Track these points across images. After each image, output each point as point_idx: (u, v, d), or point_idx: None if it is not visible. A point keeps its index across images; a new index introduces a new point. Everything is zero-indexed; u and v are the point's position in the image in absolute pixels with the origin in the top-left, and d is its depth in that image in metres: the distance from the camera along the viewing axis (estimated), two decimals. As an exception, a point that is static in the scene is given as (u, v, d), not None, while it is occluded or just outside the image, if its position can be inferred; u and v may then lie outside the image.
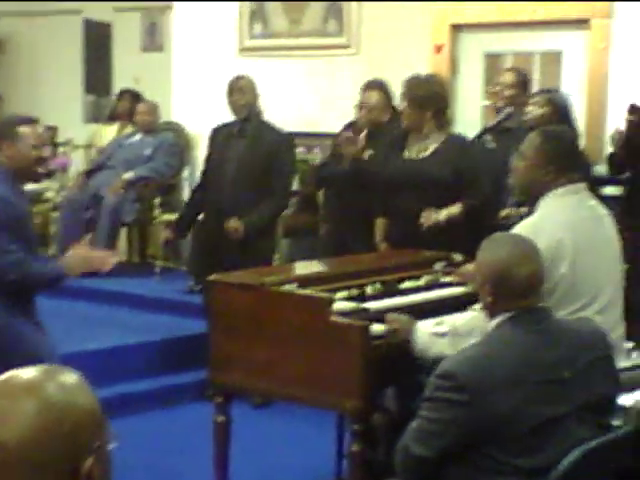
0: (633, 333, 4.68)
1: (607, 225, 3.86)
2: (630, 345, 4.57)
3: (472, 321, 3.53)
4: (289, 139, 6.41)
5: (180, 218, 6.73)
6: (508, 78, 6.28)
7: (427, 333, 3.59)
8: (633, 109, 5.43)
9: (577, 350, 2.90)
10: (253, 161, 6.16)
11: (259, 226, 6.11)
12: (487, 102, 7.14)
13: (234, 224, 6.06)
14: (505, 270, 2.93)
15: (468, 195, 5.08)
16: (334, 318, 3.62)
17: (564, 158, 3.77)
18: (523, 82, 6.31)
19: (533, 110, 5.50)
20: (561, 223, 3.64)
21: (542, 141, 3.80)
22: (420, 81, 5.32)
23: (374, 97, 6.07)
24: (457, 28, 7.43)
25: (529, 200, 3.91)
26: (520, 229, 3.53)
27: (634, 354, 4.77)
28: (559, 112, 5.50)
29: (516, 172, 3.89)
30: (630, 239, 5.13)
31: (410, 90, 5.25)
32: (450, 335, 3.55)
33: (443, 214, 5.02)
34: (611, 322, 3.62)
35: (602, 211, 3.88)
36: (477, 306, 3.48)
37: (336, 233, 6.22)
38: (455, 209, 5.06)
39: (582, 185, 3.81)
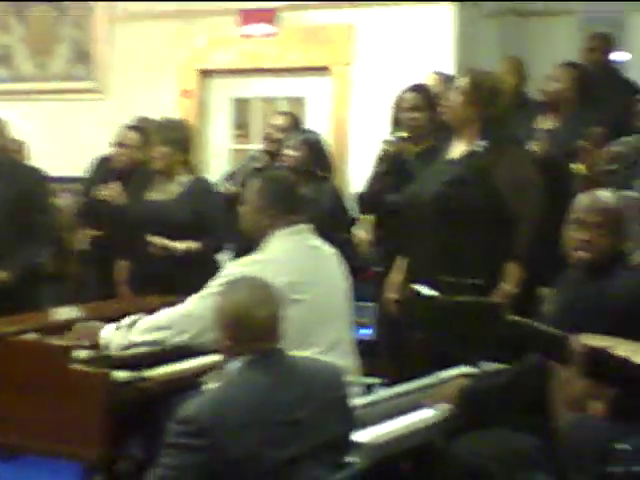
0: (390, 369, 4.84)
1: (333, 264, 3.98)
2: (374, 381, 4.72)
3: (158, 319, 3.78)
4: (42, 174, 6.30)
5: None
6: (280, 121, 6.30)
7: (112, 328, 3.82)
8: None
9: (312, 390, 2.97)
10: (9, 202, 6.00)
11: (27, 269, 5.95)
12: (236, 146, 7.23)
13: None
14: (244, 313, 2.97)
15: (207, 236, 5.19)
16: (73, 366, 3.57)
17: (283, 201, 3.88)
18: (295, 124, 6.36)
19: (289, 153, 5.59)
20: (280, 265, 3.71)
21: (261, 185, 3.92)
22: (173, 123, 5.44)
23: (131, 137, 6.05)
24: (205, 74, 7.51)
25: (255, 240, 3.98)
26: (243, 263, 3.65)
27: (379, 390, 4.92)
28: (314, 152, 5.63)
29: (242, 217, 3.98)
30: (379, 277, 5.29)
31: (164, 131, 5.31)
32: (124, 327, 3.80)
33: (181, 246, 5.11)
34: (341, 360, 3.71)
35: (328, 251, 4.00)
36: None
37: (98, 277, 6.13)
38: (194, 244, 5.16)
39: (305, 226, 3.92)
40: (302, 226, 3.91)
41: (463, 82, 4.56)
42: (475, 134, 4.50)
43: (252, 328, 2.96)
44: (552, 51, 6.85)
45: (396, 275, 4.79)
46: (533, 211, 4.35)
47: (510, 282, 4.29)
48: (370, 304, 5.46)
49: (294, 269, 3.73)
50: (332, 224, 5.15)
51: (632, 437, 1.64)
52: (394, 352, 5.01)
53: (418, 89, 5.36)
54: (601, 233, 3.42)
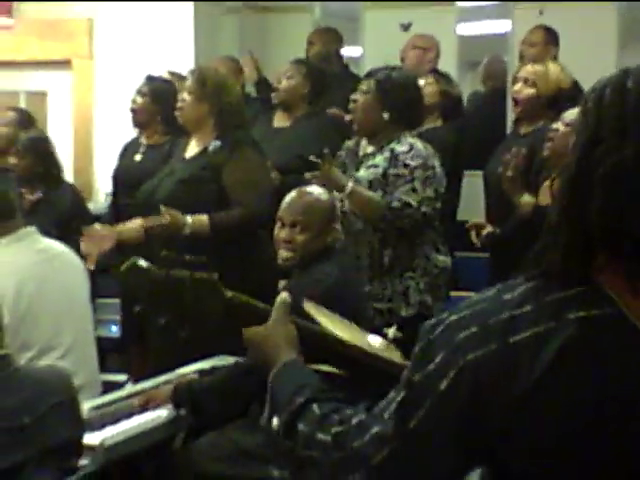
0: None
1: (67, 264, 3.96)
2: (120, 378, 4.75)
3: None
4: None
5: None
6: (9, 117, 6.09)
7: None
8: None
9: (38, 395, 2.97)
10: None
11: None
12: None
13: None
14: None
15: None
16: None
17: None
18: (27, 120, 6.15)
19: (14, 161, 5.44)
20: (6, 274, 3.66)
21: None
22: None
23: None
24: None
25: None
26: None
27: (128, 385, 4.96)
28: (42, 155, 5.49)
29: None
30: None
31: None
32: None
33: None
34: (79, 363, 3.72)
35: (58, 249, 3.97)
36: None
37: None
38: None
39: (30, 229, 3.88)
40: (26, 230, 3.87)
41: (188, 82, 4.59)
42: (209, 133, 4.53)
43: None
44: (290, 47, 7.01)
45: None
46: (253, 205, 4.37)
47: (195, 222, 4.31)
48: (114, 300, 5.47)
49: (17, 276, 3.69)
50: (72, 225, 5.09)
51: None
52: (139, 347, 5.06)
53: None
54: (301, 231, 3.52)
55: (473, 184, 5.46)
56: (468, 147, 5.69)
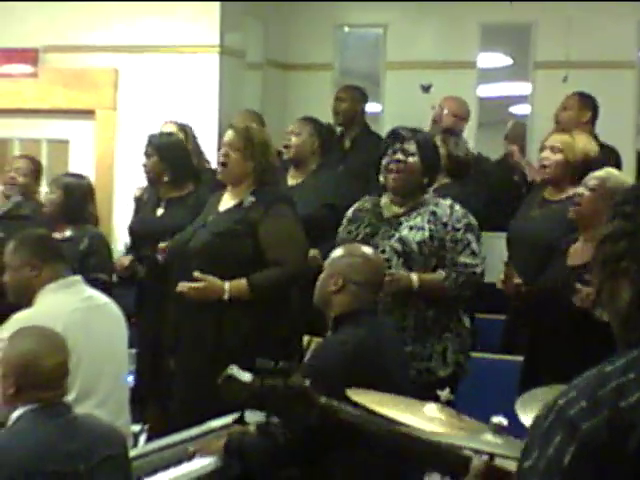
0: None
1: (108, 312, 4.03)
2: (137, 428, 4.75)
3: None
4: None
5: None
6: (23, 165, 6.20)
7: None
8: None
9: (93, 445, 3.00)
10: None
11: None
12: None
13: None
14: (31, 361, 2.97)
15: None
16: None
17: (43, 253, 3.91)
18: (37, 170, 6.29)
19: (51, 197, 5.48)
20: (52, 318, 3.62)
21: (17, 244, 3.96)
22: None
23: None
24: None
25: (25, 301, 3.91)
26: (15, 322, 3.60)
27: (142, 437, 4.94)
28: (72, 197, 5.54)
29: (8, 284, 3.99)
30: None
31: None
32: None
33: None
34: (114, 412, 3.74)
35: (101, 300, 4.04)
36: None
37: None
38: None
39: (76, 278, 3.97)
40: (73, 278, 3.95)
41: (235, 139, 4.60)
42: (246, 188, 4.58)
43: (38, 377, 2.96)
44: (311, 103, 7.12)
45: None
46: (292, 263, 4.47)
47: (233, 288, 4.40)
48: (130, 350, 5.47)
49: (68, 320, 3.74)
50: (91, 266, 5.12)
51: None
52: (159, 400, 5.05)
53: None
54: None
55: (491, 246, 5.48)
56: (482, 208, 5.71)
